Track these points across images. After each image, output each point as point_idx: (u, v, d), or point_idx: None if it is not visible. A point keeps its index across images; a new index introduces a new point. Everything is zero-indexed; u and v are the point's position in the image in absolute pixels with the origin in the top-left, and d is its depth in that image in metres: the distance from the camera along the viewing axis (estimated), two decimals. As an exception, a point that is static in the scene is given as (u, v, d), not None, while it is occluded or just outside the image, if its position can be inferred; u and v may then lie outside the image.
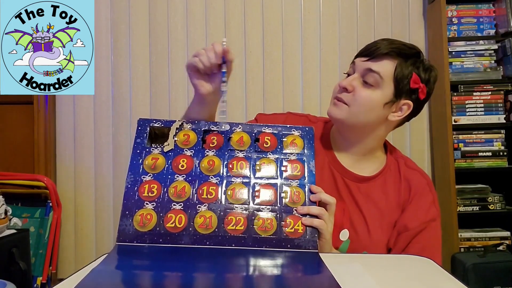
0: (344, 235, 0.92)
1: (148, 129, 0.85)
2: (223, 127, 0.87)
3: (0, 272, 1.22)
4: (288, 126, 0.88)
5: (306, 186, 0.80)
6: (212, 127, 0.87)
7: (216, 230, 0.74)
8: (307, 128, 0.88)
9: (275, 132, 0.87)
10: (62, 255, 2.16)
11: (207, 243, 0.73)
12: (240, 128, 0.87)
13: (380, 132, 0.97)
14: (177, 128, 0.86)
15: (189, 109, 0.93)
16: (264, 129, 0.87)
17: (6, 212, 1.27)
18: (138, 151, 0.83)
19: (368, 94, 0.90)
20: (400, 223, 0.92)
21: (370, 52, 0.91)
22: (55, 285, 0.59)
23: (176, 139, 0.85)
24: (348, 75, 0.96)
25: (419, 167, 1.00)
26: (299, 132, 0.87)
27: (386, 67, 0.90)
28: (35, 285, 1.90)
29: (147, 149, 0.83)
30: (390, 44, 0.91)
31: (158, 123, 0.87)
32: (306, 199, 0.79)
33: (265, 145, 0.85)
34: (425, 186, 0.95)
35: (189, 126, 0.87)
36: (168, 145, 0.84)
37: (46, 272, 1.95)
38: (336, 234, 0.89)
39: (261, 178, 0.80)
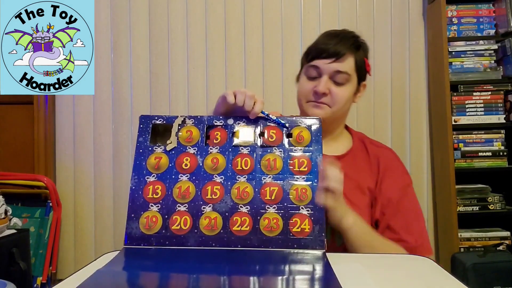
0: None
1: (150, 126, 0.83)
2: (226, 121, 0.84)
3: (0, 272, 1.21)
4: (294, 118, 0.85)
5: (313, 183, 0.77)
6: (215, 121, 0.84)
7: (222, 231, 0.73)
8: (315, 119, 0.85)
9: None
10: (62, 255, 2.16)
11: (213, 244, 0.72)
12: (244, 122, 0.84)
13: (346, 114, 1.07)
14: (179, 125, 0.84)
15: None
16: (269, 122, 0.84)
17: (6, 212, 1.27)
18: (140, 150, 0.81)
19: (342, 91, 0.99)
20: (382, 196, 0.99)
21: (333, 53, 0.97)
22: (55, 285, 0.59)
23: (180, 134, 0.83)
24: (309, 77, 1.01)
25: (384, 144, 1.11)
26: (306, 123, 0.84)
27: (349, 64, 0.99)
28: (35, 285, 1.90)
29: (150, 148, 0.81)
30: (346, 41, 0.99)
31: (160, 120, 0.84)
32: (313, 196, 0.76)
33: (270, 139, 0.82)
34: (393, 158, 1.06)
35: (191, 121, 0.84)
36: (171, 143, 0.82)
37: (46, 272, 1.95)
38: None
39: (266, 175, 0.78)
